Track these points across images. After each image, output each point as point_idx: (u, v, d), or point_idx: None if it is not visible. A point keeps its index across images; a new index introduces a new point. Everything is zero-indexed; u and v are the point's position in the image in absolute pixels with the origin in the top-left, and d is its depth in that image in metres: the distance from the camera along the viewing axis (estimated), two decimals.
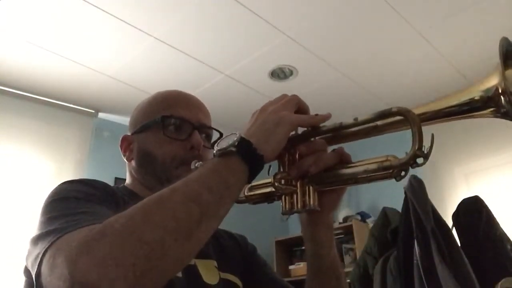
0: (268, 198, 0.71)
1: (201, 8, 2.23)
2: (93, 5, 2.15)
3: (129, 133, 0.91)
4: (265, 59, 2.69)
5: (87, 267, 0.44)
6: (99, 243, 0.46)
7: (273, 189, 0.67)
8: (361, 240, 2.96)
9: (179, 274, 0.71)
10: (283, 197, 0.67)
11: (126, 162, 0.90)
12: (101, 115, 3.26)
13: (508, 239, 1.53)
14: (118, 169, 2.87)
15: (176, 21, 2.32)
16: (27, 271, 0.59)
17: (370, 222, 3.21)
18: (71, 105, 3.09)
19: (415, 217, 1.50)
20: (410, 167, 0.55)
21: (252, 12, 2.27)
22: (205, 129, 0.88)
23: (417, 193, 1.54)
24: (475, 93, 0.54)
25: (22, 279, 0.67)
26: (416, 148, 0.53)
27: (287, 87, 2.94)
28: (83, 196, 0.66)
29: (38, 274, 0.52)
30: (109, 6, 2.18)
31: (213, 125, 0.91)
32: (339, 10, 2.28)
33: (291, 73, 2.85)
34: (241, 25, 2.37)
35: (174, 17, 2.29)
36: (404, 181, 1.62)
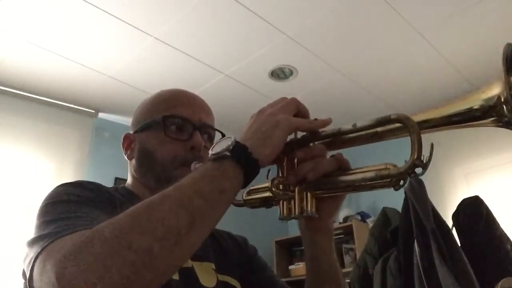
0: (266, 202, 0.71)
1: (201, 8, 2.23)
2: (93, 5, 2.15)
3: (131, 132, 0.90)
4: (265, 59, 2.69)
5: (74, 273, 0.44)
6: (87, 249, 0.46)
7: (271, 194, 0.66)
8: (361, 240, 2.96)
9: (176, 277, 0.70)
10: (281, 202, 0.66)
11: (128, 161, 0.90)
12: (101, 115, 3.25)
13: (508, 239, 1.53)
14: (118, 169, 2.89)
15: (176, 21, 2.32)
16: (24, 274, 0.59)
17: (370, 222, 3.21)
18: (71, 105, 3.09)
19: (415, 217, 1.50)
20: (408, 177, 0.54)
21: (252, 12, 2.27)
22: (207, 129, 0.87)
23: (417, 193, 1.54)
24: (476, 101, 0.52)
25: (20, 281, 0.67)
26: (415, 157, 0.52)
27: (287, 87, 2.93)
28: (78, 200, 0.66)
29: (30, 278, 0.53)
30: (109, 6, 2.18)
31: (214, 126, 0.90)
32: (339, 10, 2.27)
33: (291, 73, 2.85)
34: (241, 25, 2.37)
35: (174, 17, 2.29)
36: None
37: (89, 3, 2.14)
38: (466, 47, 2.62)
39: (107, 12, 2.21)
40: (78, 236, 0.49)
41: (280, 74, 2.86)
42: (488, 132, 2.87)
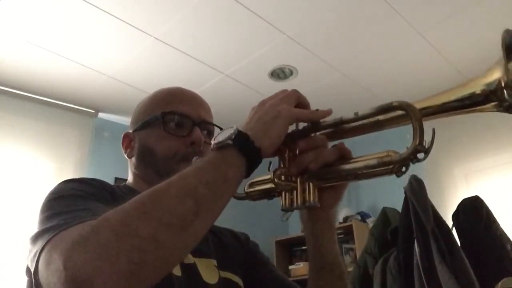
0: (268, 194, 0.70)
1: (201, 8, 2.23)
2: (93, 5, 2.15)
3: (130, 131, 0.91)
4: (265, 59, 2.69)
5: (81, 261, 0.44)
6: (94, 237, 0.46)
7: (273, 185, 0.66)
8: (361, 240, 2.96)
9: (178, 273, 0.70)
10: (283, 193, 0.66)
11: (128, 159, 0.90)
12: (101, 115, 3.26)
13: (508, 239, 1.53)
14: (118, 169, 2.89)
15: (176, 21, 2.32)
16: (28, 271, 0.59)
17: (370, 222, 3.21)
18: (71, 105, 3.09)
19: (415, 217, 1.50)
20: (411, 162, 0.54)
21: (252, 12, 2.27)
22: (206, 125, 0.88)
23: (417, 193, 1.54)
24: (477, 87, 0.53)
25: (22, 279, 0.67)
26: (417, 142, 0.52)
27: (287, 87, 2.91)
28: (81, 194, 0.66)
29: (36, 271, 0.52)
30: (109, 6, 2.18)
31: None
32: (339, 10, 2.28)
33: (291, 73, 2.85)
34: (241, 25, 2.37)
35: (174, 17, 2.29)
36: (405, 181, 1.62)
37: (89, 3, 2.14)
38: (466, 47, 2.62)
39: (107, 12, 2.21)
40: (84, 226, 0.49)
41: (280, 74, 2.86)
42: (488, 132, 2.88)
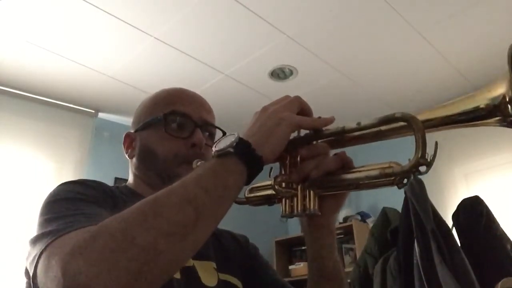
0: (268, 200, 0.70)
1: (201, 8, 2.23)
2: (93, 5, 2.15)
3: (132, 131, 0.90)
4: (265, 59, 2.69)
5: (80, 269, 0.44)
6: (93, 245, 0.46)
7: (273, 192, 0.66)
8: (361, 240, 2.96)
9: (177, 276, 0.70)
10: (283, 200, 0.66)
11: (128, 160, 0.90)
12: (101, 115, 3.26)
13: (508, 239, 1.53)
14: (118, 169, 2.89)
15: (176, 21, 2.32)
16: (27, 273, 0.59)
17: (370, 222, 3.21)
18: (71, 105, 3.09)
19: (415, 217, 1.50)
20: (412, 175, 0.54)
21: (252, 12, 2.27)
22: (208, 127, 0.88)
23: (417, 193, 1.54)
24: (481, 101, 0.52)
25: (22, 280, 0.67)
26: (419, 155, 0.52)
27: (287, 87, 2.94)
28: (81, 197, 0.66)
29: (34, 275, 0.52)
30: (109, 6, 2.18)
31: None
32: (339, 10, 2.28)
33: (291, 73, 2.85)
34: (241, 25, 2.37)
35: (174, 17, 2.29)
36: None
37: (89, 3, 2.14)
38: (466, 47, 2.62)
39: (107, 12, 2.21)
40: (83, 232, 0.49)
41: (280, 74, 2.86)
42: (488, 132, 2.88)
